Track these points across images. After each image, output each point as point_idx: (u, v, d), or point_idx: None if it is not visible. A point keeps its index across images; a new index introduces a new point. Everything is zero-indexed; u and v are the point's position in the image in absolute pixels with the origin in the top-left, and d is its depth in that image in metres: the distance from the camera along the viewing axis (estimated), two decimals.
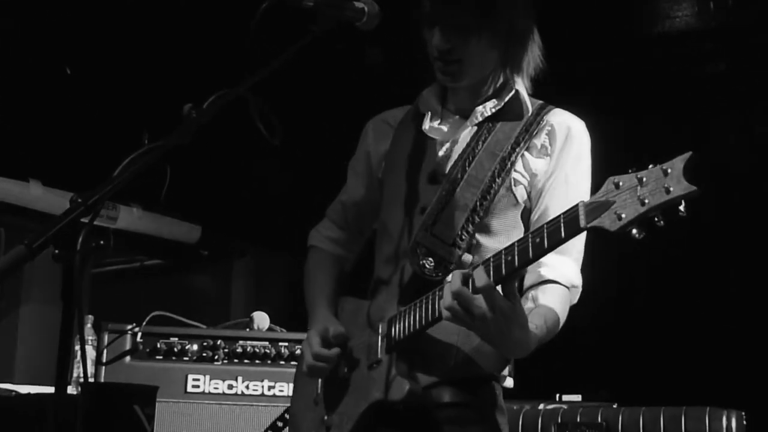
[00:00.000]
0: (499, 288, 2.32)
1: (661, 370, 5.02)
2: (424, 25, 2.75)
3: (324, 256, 3.07)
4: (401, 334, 2.57)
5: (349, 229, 3.08)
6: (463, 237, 2.60)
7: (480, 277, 2.29)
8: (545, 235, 2.23)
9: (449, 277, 2.39)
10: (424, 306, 2.50)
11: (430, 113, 2.85)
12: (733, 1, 4.69)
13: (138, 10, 5.17)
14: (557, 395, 4.41)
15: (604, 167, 2.46)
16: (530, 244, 2.26)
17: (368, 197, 3.01)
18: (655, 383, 4.92)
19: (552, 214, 2.52)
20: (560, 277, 2.61)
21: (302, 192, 5.87)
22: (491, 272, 2.30)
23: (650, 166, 2.03)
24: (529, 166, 2.68)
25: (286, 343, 4.47)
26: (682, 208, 1.98)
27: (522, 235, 2.46)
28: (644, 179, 2.02)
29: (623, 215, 2.04)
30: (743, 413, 3.91)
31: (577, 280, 2.65)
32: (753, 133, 5.10)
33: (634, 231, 2.04)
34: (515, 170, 2.66)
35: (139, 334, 4.41)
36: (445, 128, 2.82)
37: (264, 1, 2.51)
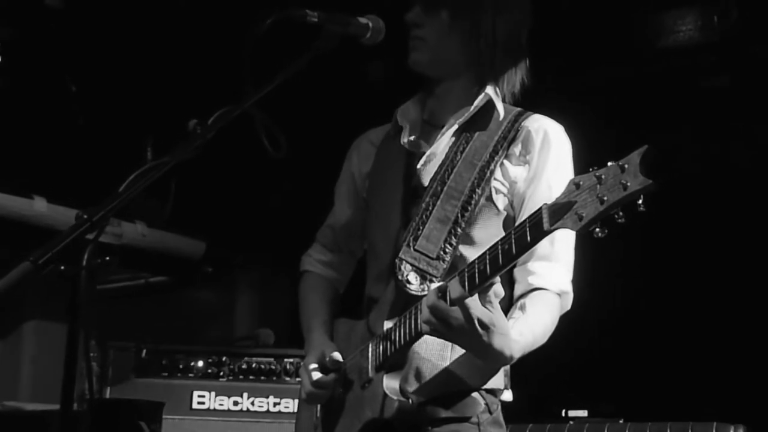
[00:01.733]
0: (476, 297, 2.30)
1: (667, 385, 4.99)
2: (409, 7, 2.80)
3: (317, 280, 3.07)
4: (388, 352, 2.55)
5: (340, 251, 3.09)
6: (447, 250, 2.58)
7: (455, 289, 2.27)
8: (513, 240, 2.20)
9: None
10: (406, 322, 2.48)
11: (408, 126, 2.84)
12: (738, 14, 4.69)
13: (140, 26, 5.17)
14: (563, 411, 4.39)
15: None
16: (500, 252, 2.23)
17: (355, 218, 3.02)
18: (661, 398, 4.89)
19: None
20: (549, 285, 2.59)
21: (307, 208, 5.86)
22: (466, 283, 2.28)
23: (609, 163, 2.00)
24: (508, 174, 2.66)
25: (291, 360, 4.47)
26: (640, 202, 1.93)
27: None
28: (603, 177, 1.98)
29: (584, 215, 2.00)
30: (750, 428, 3.90)
31: (566, 285, 2.62)
32: (757, 145, 5.09)
33: (597, 229, 2.00)
34: (495, 179, 2.64)
35: (144, 351, 4.41)
36: (423, 141, 2.82)
37: (268, 15, 2.51)
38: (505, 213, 2.65)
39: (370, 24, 2.73)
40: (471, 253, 2.55)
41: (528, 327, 2.49)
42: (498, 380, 2.62)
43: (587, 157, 2.69)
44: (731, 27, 4.73)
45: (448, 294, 2.30)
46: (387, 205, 2.79)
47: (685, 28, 4.84)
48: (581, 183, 2.03)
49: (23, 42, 5.12)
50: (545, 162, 2.66)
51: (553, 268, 2.61)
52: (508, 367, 2.64)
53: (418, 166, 2.75)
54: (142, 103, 5.60)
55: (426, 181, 2.70)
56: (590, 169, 2.03)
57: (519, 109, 2.79)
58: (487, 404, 2.59)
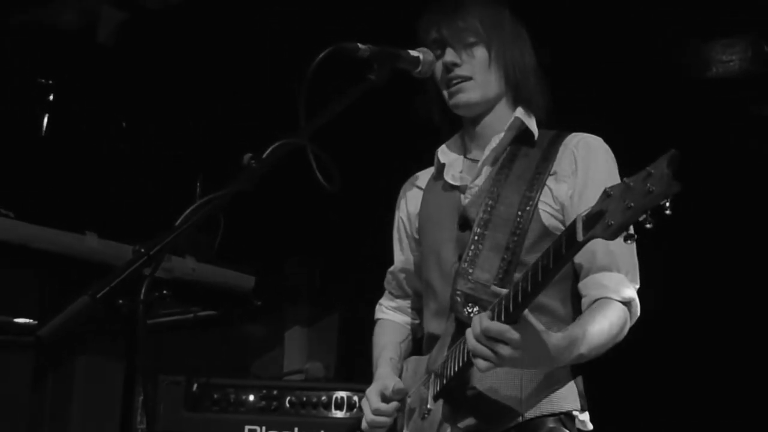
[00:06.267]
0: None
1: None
2: (433, 50, 2.81)
3: (386, 325, 3.16)
4: (443, 381, 2.58)
5: (406, 295, 3.16)
6: (503, 277, 2.59)
7: (493, 327, 2.28)
8: (551, 255, 2.20)
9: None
10: (459, 351, 2.50)
11: (451, 163, 2.88)
12: None
13: (189, 62, 5.22)
14: None
15: None
16: (540, 267, 2.23)
17: (411, 261, 3.08)
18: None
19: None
20: (611, 293, 2.58)
21: (354, 242, 5.87)
22: (510, 303, 2.28)
23: (641, 170, 1.98)
24: (554, 194, 2.67)
25: (342, 393, 4.45)
26: (667, 205, 1.90)
27: None
28: (631, 184, 1.96)
29: (612, 222, 1.98)
30: None
31: (629, 292, 2.59)
32: None
33: (624, 236, 1.99)
34: (541, 201, 2.66)
35: (195, 385, 4.41)
36: (467, 175, 2.84)
37: (320, 50, 2.53)
38: (556, 234, 2.63)
39: (421, 57, 2.74)
40: None
41: (579, 325, 2.48)
42: (571, 400, 2.61)
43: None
44: None
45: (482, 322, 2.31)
46: (438, 242, 2.81)
47: (735, 58, 4.81)
48: (612, 192, 2.02)
49: (75, 80, 5.18)
50: (590, 176, 2.66)
51: (614, 277, 2.59)
52: (581, 385, 2.63)
53: (464, 200, 2.77)
54: (192, 139, 5.65)
55: (473, 214, 2.72)
56: (623, 179, 2.01)
57: (555, 131, 2.81)
58: None
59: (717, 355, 4.94)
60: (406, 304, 3.16)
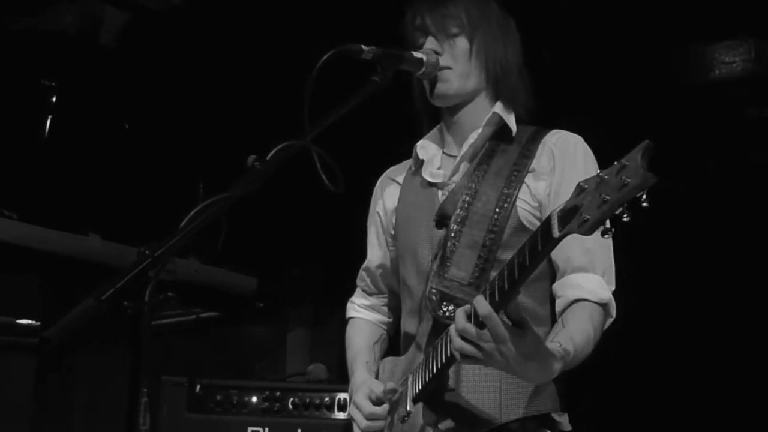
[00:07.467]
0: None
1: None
2: (416, 37, 2.79)
3: (360, 325, 3.13)
4: (422, 383, 2.55)
5: (380, 292, 3.13)
6: (479, 275, 2.56)
7: (481, 306, 2.16)
8: (527, 252, 2.13)
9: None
10: (437, 351, 2.47)
11: (429, 159, 2.86)
12: None
13: (191, 64, 5.23)
14: None
15: None
16: (516, 265, 2.16)
17: (387, 257, 3.06)
18: None
19: None
20: (589, 295, 2.52)
21: (358, 244, 5.86)
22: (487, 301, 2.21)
23: (614, 163, 1.92)
24: (532, 191, 2.64)
25: (345, 394, 4.46)
26: (643, 198, 1.84)
27: None
28: (605, 177, 1.90)
29: (587, 217, 1.92)
30: None
31: (605, 293, 2.54)
32: None
33: (601, 230, 1.92)
34: (519, 198, 2.63)
35: (198, 387, 4.42)
36: (444, 171, 2.82)
37: (324, 52, 2.52)
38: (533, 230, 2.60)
39: (425, 58, 2.74)
40: None
41: (567, 338, 2.40)
42: (550, 402, 2.58)
43: None
44: None
45: (472, 314, 2.21)
46: (414, 239, 2.80)
47: (738, 59, 4.81)
48: (586, 186, 1.96)
49: (77, 82, 5.18)
50: (568, 173, 2.63)
51: (591, 279, 2.55)
52: (560, 386, 2.61)
53: (442, 197, 2.76)
54: (194, 141, 5.65)
55: (450, 211, 2.70)
56: (598, 172, 1.96)
57: (535, 127, 2.79)
58: None
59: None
60: (379, 302, 3.14)
